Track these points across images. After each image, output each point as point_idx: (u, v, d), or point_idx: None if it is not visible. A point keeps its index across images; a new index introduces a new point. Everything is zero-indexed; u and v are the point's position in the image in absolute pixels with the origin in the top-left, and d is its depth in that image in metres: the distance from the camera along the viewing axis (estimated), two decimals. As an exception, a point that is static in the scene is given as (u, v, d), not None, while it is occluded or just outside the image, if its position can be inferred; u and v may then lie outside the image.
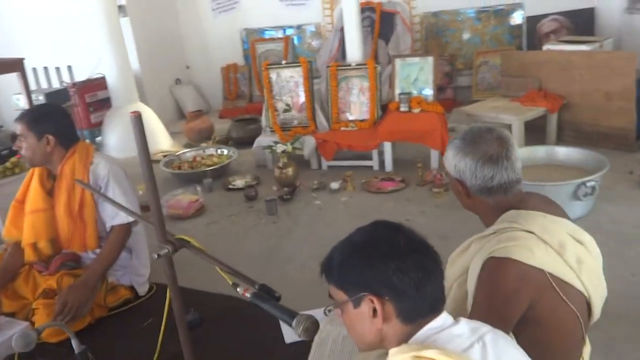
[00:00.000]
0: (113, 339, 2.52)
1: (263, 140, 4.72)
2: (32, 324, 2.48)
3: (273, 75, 4.75)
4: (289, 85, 4.75)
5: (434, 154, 4.23)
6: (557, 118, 4.39)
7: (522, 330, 1.40)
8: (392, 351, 1.09)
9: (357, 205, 3.86)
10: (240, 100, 7.04)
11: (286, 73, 4.75)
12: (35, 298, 2.60)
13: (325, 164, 4.62)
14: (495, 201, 1.56)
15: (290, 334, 2.42)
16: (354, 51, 4.73)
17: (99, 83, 5.78)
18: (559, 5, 5.65)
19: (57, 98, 5.77)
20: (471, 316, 1.41)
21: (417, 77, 4.46)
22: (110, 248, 2.70)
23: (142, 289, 2.89)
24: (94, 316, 2.63)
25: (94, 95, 5.79)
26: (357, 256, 1.18)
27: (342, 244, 1.24)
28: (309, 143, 4.55)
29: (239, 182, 4.43)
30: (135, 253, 2.89)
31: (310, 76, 4.68)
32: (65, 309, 2.44)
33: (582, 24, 5.60)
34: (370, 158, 4.50)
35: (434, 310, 1.14)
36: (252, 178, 4.50)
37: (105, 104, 5.79)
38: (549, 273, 1.41)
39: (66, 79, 6.56)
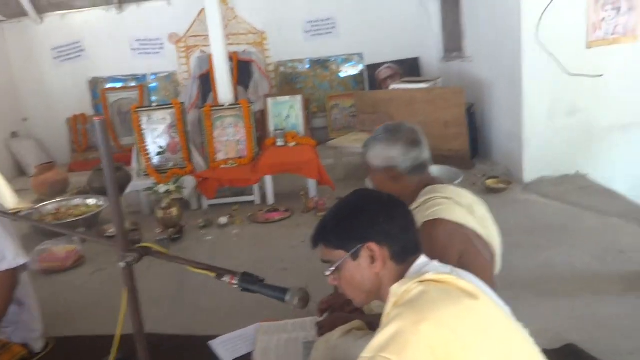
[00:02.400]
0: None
1: (137, 184, 4.54)
2: None
3: (144, 119, 4.66)
4: (162, 127, 4.70)
5: (312, 183, 4.54)
6: (409, 145, 5.08)
7: None
8: (394, 287, 1.26)
9: (250, 235, 3.94)
10: (92, 151, 6.61)
11: (158, 115, 4.70)
12: None
13: (205, 203, 4.61)
14: (419, 179, 1.88)
15: (226, 353, 2.39)
16: (226, 93, 4.91)
17: None
18: (392, 55, 6.63)
19: None
20: None
21: (288, 114, 4.81)
22: None
23: (38, 345, 2.56)
24: (-14, 380, 2.25)
25: None
26: (351, 215, 1.37)
27: (332, 212, 1.42)
28: (188, 183, 4.51)
29: (117, 229, 4.17)
30: (25, 306, 2.56)
31: (184, 117, 4.71)
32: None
33: (410, 70, 6.63)
34: (251, 193, 4.64)
35: (418, 250, 1.36)
36: (130, 224, 4.26)
37: None
38: (467, 227, 1.76)
39: None
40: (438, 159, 5.08)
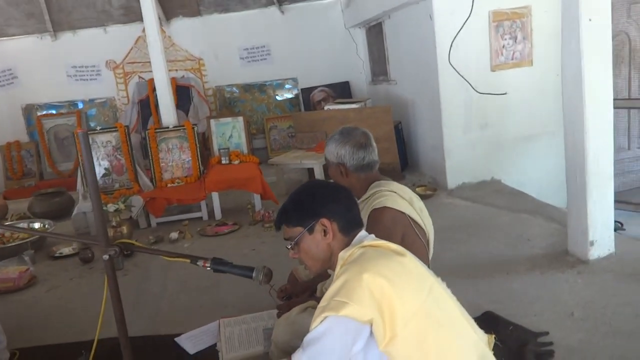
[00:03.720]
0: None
1: (84, 206, 4.62)
2: None
3: (88, 142, 4.76)
4: (107, 149, 4.83)
5: (257, 197, 4.83)
6: (344, 161, 5.52)
7: None
8: (341, 253, 1.62)
9: (202, 248, 4.15)
10: (28, 178, 6.52)
11: (102, 138, 4.83)
12: None
13: (154, 221, 4.76)
14: (366, 176, 2.24)
15: (192, 346, 2.61)
16: (169, 115, 5.12)
17: None
18: (324, 80, 7.14)
19: None
20: None
21: (231, 134, 5.10)
22: None
23: (4, 356, 2.64)
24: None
25: None
26: (306, 198, 1.71)
27: (290, 198, 1.75)
28: (135, 203, 4.64)
29: (66, 250, 4.24)
30: (-11, 319, 2.66)
31: (128, 140, 4.86)
32: None
33: (342, 92, 7.15)
34: (198, 210, 4.85)
35: (359, 226, 1.72)
36: (79, 245, 4.33)
37: None
38: (407, 215, 2.13)
39: None
40: (371, 172, 5.61)
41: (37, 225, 4.63)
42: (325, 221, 1.64)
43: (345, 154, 2.19)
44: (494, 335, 1.72)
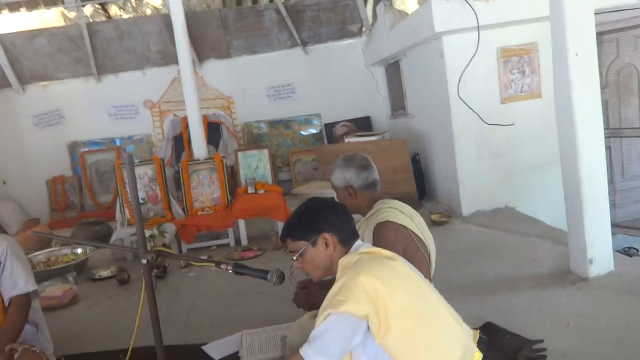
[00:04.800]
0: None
1: (122, 233, 5.01)
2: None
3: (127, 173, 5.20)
4: (143, 181, 5.25)
5: (281, 225, 5.13)
6: (364, 191, 5.80)
7: None
8: (341, 261, 1.87)
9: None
10: (71, 210, 7.02)
11: (139, 171, 5.26)
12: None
13: (185, 247, 5.11)
14: (371, 195, 2.51)
15: (217, 352, 2.88)
16: (200, 149, 5.54)
17: None
18: (346, 115, 7.50)
19: None
20: None
21: (257, 165, 5.47)
22: (13, 320, 2.70)
23: (51, 361, 2.96)
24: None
25: None
26: (309, 214, 1.97)
27: (294, 215, 2.01)
28: (168, 230, 5.01)
29: (105, 273, 4.60)
30: (39, 327, 2.99)
31: (163, 171, 5.28)
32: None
33: (363, 127, 7.48)
34: (226, 237, 5.18)
35: (356, 237, 1.97)
36: (117, 269, 4.70)
37: None
38: (409, 229, 2.38)
39: None
40: (390, 201, 5.85)
41: (79, 250, 5.02)
42: (327, 235, 1.89)
43: (352, 176, 2.48)
44: (479, 331, 1.94)
